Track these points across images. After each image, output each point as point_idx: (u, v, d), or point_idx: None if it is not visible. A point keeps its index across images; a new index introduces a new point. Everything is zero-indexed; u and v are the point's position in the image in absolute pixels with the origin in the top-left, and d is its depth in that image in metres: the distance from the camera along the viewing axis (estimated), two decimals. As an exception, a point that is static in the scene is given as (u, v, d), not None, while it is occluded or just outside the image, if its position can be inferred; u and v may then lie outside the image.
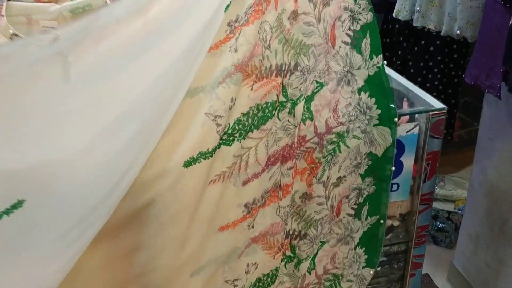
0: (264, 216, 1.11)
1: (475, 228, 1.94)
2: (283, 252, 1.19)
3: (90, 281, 1.00)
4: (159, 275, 1.01)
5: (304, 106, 1.08)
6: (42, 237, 0.78)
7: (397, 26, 2.30)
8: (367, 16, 1.07)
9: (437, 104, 1.29)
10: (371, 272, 1.32)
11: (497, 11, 1.46)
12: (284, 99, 1.05)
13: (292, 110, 1.06)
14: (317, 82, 1.08)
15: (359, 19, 1.07)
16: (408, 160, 1.29)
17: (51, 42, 0.67)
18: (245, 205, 1.06)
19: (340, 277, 1.31)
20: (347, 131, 1.14)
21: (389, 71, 1.22)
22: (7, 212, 0.69)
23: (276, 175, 1.09)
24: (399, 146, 1.22)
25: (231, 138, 0.99)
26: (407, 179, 1.32)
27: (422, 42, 2.28)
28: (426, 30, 1.98)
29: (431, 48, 2.28)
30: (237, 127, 0.99)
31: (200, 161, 0.96)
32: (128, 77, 0.81)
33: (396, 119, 1.16)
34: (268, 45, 1.00)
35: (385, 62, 1.12)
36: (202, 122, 0.94)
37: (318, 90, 1.09)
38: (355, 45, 1.09)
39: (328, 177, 1.16)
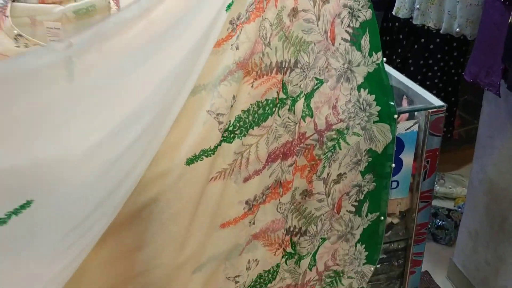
0: (265, 213, 1.11)
1: (475, 225, 1.95)
2: (283, 248, 1.19)
3: (93, 280, 1.00)
4: (161, 273, 1.02)
5: (304, 103, 1.08)
6: (46, 237, 0.79)
7: (397, 24, 2.30)
8: (367, 13, 1.08)
9: (437, 101, 1.29)
10: (372, 268, 1.33)
11: (496, 9, 1.46)
12: (284, 96, 1.06)
13: (292, 107, 1.07)
14: (316, 79, 1.09)
15: (359, 16, 1.08)
16: (407, 158, 1.30)
17: (65, 49, 0.69)
18: (246, 202, 1.06)
19: (341, 274, 1.31)
20: (347, 128, 1.14)
21: (388, 69, 1.22)
22: (16, 212, 0.70)
23: (277, 172, 1.09)
24: (398, 144, 1.22)
25: (231, 135, 0.99)
26: (407, 177, 1.32)
27: (422, 40, 2.28)
28: (426, 28, 1.98)
29: (431, 46, 2.29)
30: (237, 124, 1.00)
31: (202, 158, 0.96)
32: (134, 80, 0.82)
33: (395, 116, 1.16)
34: (268, 42, 1.00)
35: (384, 59, 1.13)
36: (204, 120, 0.95)
37: (318, 87, 1.10)
38: (355, 42, 1.09)
39: (328, 174, 1.16)
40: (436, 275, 2.15)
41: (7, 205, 0.70)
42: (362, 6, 1.08)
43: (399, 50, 2.35)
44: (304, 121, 1.10)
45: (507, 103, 1.68)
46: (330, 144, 1.13)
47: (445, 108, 1.27)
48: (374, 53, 1.11)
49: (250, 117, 1.01)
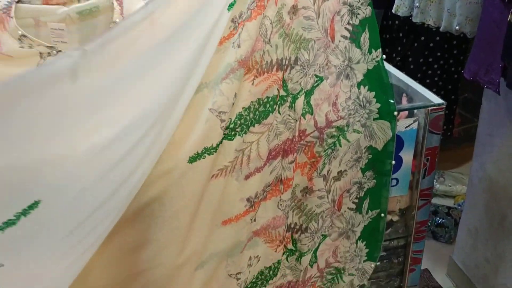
0: (265, 210, 1.12)
1: (475, 223, 1.95)
2: (284, 245, 1.20)
3: (96, 279, 1.01)
4: (163, 271, 1.03)
5: (304, 100, 1.09)
6: (52, 236, 0.80)
7: (396, 22, 2.30)
8: (366, 11, 1.08)
9: (436, 99, 1.29)
10: (372, 265, 1.33)
11: (496, 6, 1.46)
12: (284, 94, 1.06)
13: (293, 105, 1.07)
14: (316, 76, 1.09)
15: (358, 14, 1.08)
16: (407, 155, 1.30)
17: (81, 56, 0.70)
18: (248, 199, 1.07)
19: (342, 271, 1.32)
20: (347, 125, 1.14)
21: (388, 67, 1.22)
22: (24, 213, 0.71)
23: (277, 169, 1.10)
24: (398, 141, 1.23)
25: (232, 133, 1.00)
26: (406, 174, 1.33)
27: (422, 38, 2.28)
28: (426, 26, 1.98)
29: (431, 44, 2.29)
30: (238, 122, 1.00)
31: (205, 156, 0.97)
32: (140, 82, 0.84)
33: (395, 113, 1.17)
34: (269, 40, 1.01)
35: (384, 56, 1.13)
36: (206, 118, 0.95)
37: (318, 84, 1.10)
38: (354, 39, 1.10)
39: (328, 171, 1.17)
40: (436, 272, 2.16)
41: (15, 206, 0.71)
42: (361, 4, 1.08)
43: (399, 48, 2.35)
44: (304, 118, 1.10)
45: (506, 101, 1.68)
46: (330, 141, 1.14)
47: (444, 106, 1.27)
48: (373, 50, 1.11)
49: (251, 115, 1.02)
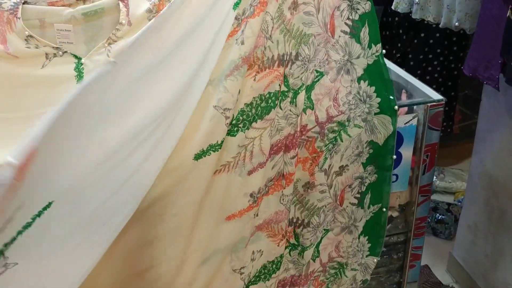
0: (268, 204, 1.13)
1: (474, 219, 1.96)
2: (287, 239, 1.21)
3: (106, 277, 1.02)
4: (168, 267, 1.04)
5: (304, 96, 1.09)
6: (60, 233, 0.82)
7: (396, 18, 2.30)
8: (366, 6, 1.08)
9: (436, 95, 1.29)
10: (375, 260, 1.33)
11: (495, 3, 1.46)
12: (285, 89, 1.07)
13: (294, 100, 1.08)
14: (317, 71, 1.10)
15: (358, 9, 1.08)
16: (406, 152, 1.30)
17: (112, 66, 0.74)
18: (251, 195, 1.07)
19: (345, 266, 1.32)
20: (348, 120, 1.15)
21: (388, 63, 1.23)
22: (39, 214, 0.74)
23: (279, 164, 1.11)
24: (397, 137, 1.23)
25: (235, 129, 1.01)
26: (406, 170, 1.33)
27: (422, 35, 2.28)
28: (426, 23, 1.99)
29: (431, 41, 2.29)
30: (241, 118, 1.01)
31: (210, 153, 0.98)
32: (146, 84, 0.86)
33: (396, 107, 1.17)
34: (270, 35, 1.01)
35: (383, 51, 1.13)
36: (211, 115, 0.97)
37: (318, 80, 1.10)
38: (354, 34, 1.10)
39: (329, 166, 1.17)
40: (436, 268, 2.16)
41: (35, 210, 0.73)
42: None
43: (399, 45, 2.35)
44: (305, 114, 1.11)
45: (506, 97, 1.68)
46: (331, 136, 1.14)
47: (444, 102, 1.27)
48: (373, 45, 1.11)
49: (253, 110, 1.02)
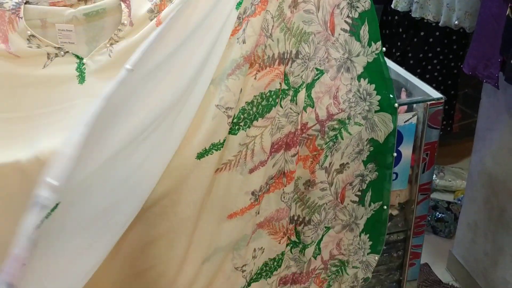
0: (269, 202, 1.13)
1: (474, 217, 1.96)
2: (288, 237, 1.21)
3: (109, 276, 1.03)
4: (171, 266, 1.05)
5: (305, 94, 1.10)
6: (65, 233, 0.82)
7: (396, 17, 2.30)
8: (365, 4, 1.09)
9: (435, 94, 1.30)
10: (376, 258, 1.33)
11: (494, 1, 1.47)
12: (286, 87, 1.07)
13: (294, 98, 1.08)
14: (317, 69, 1.10)
15: (357, 7, 1.08)
16: (406, 150, 1.30)
17: (130, 73, 0.74)
18: (252, 193, 1.08)
19: (346, 264, 1.32)
20: (348, 118, 1.15)
21: (387, 62, 1.23)
22: (47, 216, 0.74)
23: (280, 162, 1.11)
24: (397, 136, 1.23)
25: (236, 127, 1.01)
26: (406, 169, 1.33)
27: (422, 33, 2.28)
28: (425, 21, 1.99)
29: (431, 39, 2.29)
30: (242, 116, 1.01)
31: (212, 152, 0.99)
32: (154, 87, 0.86)
33: (396, 105, 1.17)
34: (270, 34, 1.02)
35: (383, 49, 1.13)
36: (213, 114, 0.97)
37: (319, 78, 1.11)
38: (354, 32, 1.10)
39: (330, 163, 1.17)
40: (436, 267, 2.16)
41: (45, 212, 0.73)
42: None
43: (399, 44, 2.36)
44: (306, 112, 1.11)
45: (505, 95, 1.69)
46: (331, 133, 1.15)
47: (443, 101, 1.28)
48: (373, 43, 1.12)
49: (254, 109, 1.03)
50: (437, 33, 2.26)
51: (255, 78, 1.02)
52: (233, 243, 1.10)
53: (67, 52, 0.97)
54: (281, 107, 1.07)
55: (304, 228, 1.21)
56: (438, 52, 2.32)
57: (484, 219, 1.90)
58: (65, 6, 0.98)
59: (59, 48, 0.97)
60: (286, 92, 1.07)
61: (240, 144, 1.02)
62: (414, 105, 1.29)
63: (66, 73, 0.97)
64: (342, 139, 1.16)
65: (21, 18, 0.94)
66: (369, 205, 1.26)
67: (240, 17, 0.97)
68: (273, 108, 1.05)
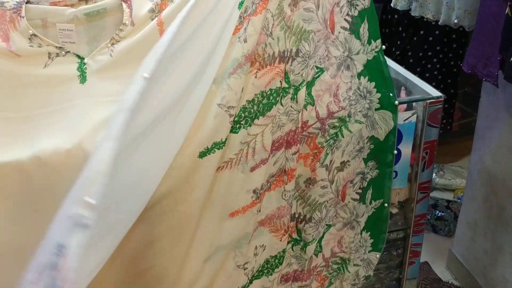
0: (270, 200, 1.13)
1: (474, 216, 1.96)
2: (289, 234, 1.21)
3: (112, 276, 1.03)
4: (173, 265, 1.05)
5: (305, 92, 1.10)
6: None
7: (396, 16, 2.31)
8: (365, 2, 1.09)
9: (435, 92, 1.30)
10: (377, 256, 1.33)
11: (493, 0, 1.47)
12: (286, 86, 1.07)
13: (295, 96, 1.08)
14: (317, 67, 1.10)
15: (357, 5, 1.09)
16: (406, 148, 1.31)
17: (148, 81, 0.73)
18: (254, 191, 1.08)
19: (347, 261, 1.32)
20: (349, 116, 1.15)
21: (387, 60, 1.23)
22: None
23: (281, 160, 1.11)
24: (397, 134, 1.23)
25: (237, 126, 1.01)
26: (405, 167, 1.34)
27: (421, 32, 2.29)
28: (425, 20, 1.99)
29: (430, 38, 2.29)
30: (243, 115, 1.02)
31: (214, 151, 0.99)
32: (161, 88, 0.86)
33: (396, 102, 1.17)
34: (271, 32, 1.02)
35: (383, 46, 1.14)
36: (215, 113, 0.97)
37: (319, 76, 1.11)
38: (354, 30, 1.10)
39: (331, 161, 1.18)
40: (436, 265, 2.17)
41: (88, 232, 0.73)
42: None
43: (399, 42, 2.36)
44: (306, 110, 1.11)
45: (505, 94, 1.69)
46: (332, 131, 1.15)
47: (443, 99, 1.28)
48: (373, 41, 1.12)
49: (255, 107, 1.03)
50: (437, 32, 2.26)
51: (255, 77, 1.02)
52: (235, 241, 1.10)
53: (68, 52, 0.97)
54: (282, 105, 1.07)
55: (305, 226, 1.22)
56: (438, 51, 2.32)
57: (483, 217, 1.91)
58: (66, 6, 0.98)
59: (60, 47, 0.97)
60: (287, 90, 1.07)
61: (241, 143, 1.03)
62: (414, 104, 1.30)
63: (67, 73, 0.97)
64: (343, 137, 1.16)
65: (23, 17, 0.94)
66: (370, 202, 1.27)
67: (241, 16, 0.97)
68: (274, 106, 1.05)
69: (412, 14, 1.99)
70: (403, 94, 1.37)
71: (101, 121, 0.96)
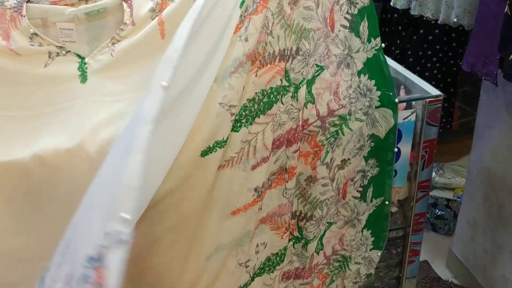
0: (271, 198, 1.14)
1: (473, 214, 1.97)
2: (290, 232, 1.21)
3: None
4: (176, 263, 1.05)
5: (305, 90, 1.10)
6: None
7: (395, 15, 2.31)
8: (365, 0, 1.09)
9: (434, 91, 1.30)
10: (379, 254, 1.34)
11: (493, -2, 1.47)
12: (287, 84, 1.07)
13: (295, 94, 1.08)
14: (317, 65, 1.10)
15: (357, 3, 1.09)
16: (405, 147, 1.31)
17: (165, 91, 0.72)
18: (255, 189, 1.08)
19: (349, 259, 1.33)
20: (349, 114, 1.15)
21: (386, 59, 1.23)
22: None
23: (282, 158, 1.11)
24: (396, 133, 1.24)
25: (238, 124, 1.02)
26: (405, 166, 1.34)
27: (421, 31, 2.29)
28: (424, 19, 1.99)
29: (430, 37, 2.30)
30: (243, 113, 1.02)
31: (216, 150, 0.99)
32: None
33: (396, 100, 1.18)
34: (271, 31, 1.02)
35: (383, 44, 1.14)
36: (216, 112, 0.97)
37: (319, 74, 1.11)
38: (354, 28, 1.10)
39: (331, 159, 1.18)
40: (436, 264, 2.17)
41: (126, 247, 0.73)
42: None
43: (398, 41, 2.36)
44: (306, 108, 1.11)
45: (504, 93, 1.69)
46: (332, 129, 1.15)
47: (442, 98, 1.28)
48: (372, 39, 1.12)
49: (256, 106, 1.03)
50: (436, 31, 2.26)
51: (256, 75, 1.02)
52: (237, 239, 1.10)
53: (69, 51, 0.97)
54: (282, 103, 1.07)
55: (306, 224, 1.22)
56: (437, 50, 2.32)
57: (483, 216, 1.91)
58: (66, 5, 0.98)
59: (61, 47, 0.97)
60: (287, 88, 1.07)
61: (242, 141, 1.03)
62: (413, 103, 1.30)
63: (68, 73, 0.97)
64: (343, 135, 1.16)
65: (24, 16, 0.94)
66: (371, 200, 1.27)
67: (241, 15, 0.97)
68: (274, 104, 1.05)
69: (412, 13, 1.99)
70: (402, 93, 1.37)
71: (102, 121, 0.96)
